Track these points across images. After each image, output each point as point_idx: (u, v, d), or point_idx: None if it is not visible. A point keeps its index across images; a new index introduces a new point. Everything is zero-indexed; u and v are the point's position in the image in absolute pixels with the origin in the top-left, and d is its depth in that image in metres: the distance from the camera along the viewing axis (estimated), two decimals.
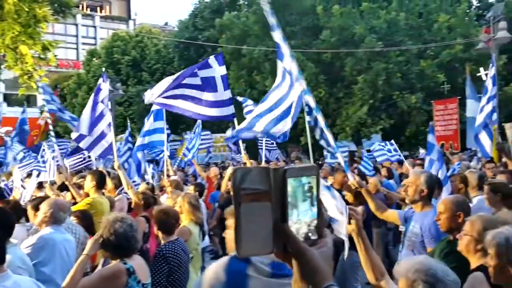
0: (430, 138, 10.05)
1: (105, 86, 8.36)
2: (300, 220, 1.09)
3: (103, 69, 9.71)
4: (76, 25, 60.97)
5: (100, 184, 7.00)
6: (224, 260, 2.32)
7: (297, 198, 1.08)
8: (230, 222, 2.66)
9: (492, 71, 10.12)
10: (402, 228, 5.40)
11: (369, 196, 5.33)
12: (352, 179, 5.09)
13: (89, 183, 6.95)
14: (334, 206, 3.05)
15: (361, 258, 3.04)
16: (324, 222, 1.15)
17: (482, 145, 9.63)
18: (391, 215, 5.45)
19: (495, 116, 9.76)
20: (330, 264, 1.18)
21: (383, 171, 12.75)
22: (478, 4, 38.41)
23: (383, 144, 14.99)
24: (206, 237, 8.64)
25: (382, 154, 14.62)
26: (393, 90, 26.37)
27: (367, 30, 26.55)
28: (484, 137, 9.64)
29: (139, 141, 10.82)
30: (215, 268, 2.29)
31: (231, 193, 1.06)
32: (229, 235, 2.72)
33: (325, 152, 17.18)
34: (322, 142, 7.93)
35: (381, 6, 28.89)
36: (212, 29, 32.61)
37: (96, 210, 6.48)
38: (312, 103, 4.83)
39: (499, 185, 5.56)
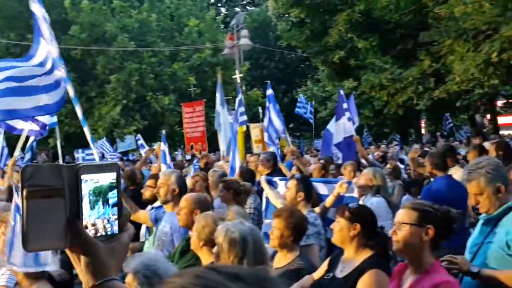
0: (162, 146, 9.98)
1: None
2: (96, 216, 1.11)
3: None
4: None
5: None
6: None
7: (93, 194, 1.10)
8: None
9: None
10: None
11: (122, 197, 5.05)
12: None
13: None
14: None
15: None
16: (125, 218, 1.16)
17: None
18: (142, 216, 5.31)
19: (243, 118, 10.75)
20: (120, 259, 1.15)
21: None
22: (226, 12, 41.19)
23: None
24: None
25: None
26: (147, 91, 26.53)
27: (119, 29, 26.12)
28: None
29: None
30: None
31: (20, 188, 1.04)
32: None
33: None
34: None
35: (133, 5, 28.69)
36: None
37: None
38: (71, 92, 4.79)
39: (231, 182, 5.89)
